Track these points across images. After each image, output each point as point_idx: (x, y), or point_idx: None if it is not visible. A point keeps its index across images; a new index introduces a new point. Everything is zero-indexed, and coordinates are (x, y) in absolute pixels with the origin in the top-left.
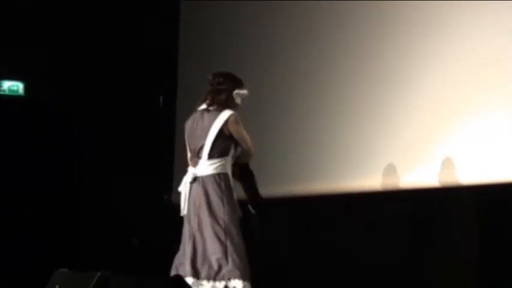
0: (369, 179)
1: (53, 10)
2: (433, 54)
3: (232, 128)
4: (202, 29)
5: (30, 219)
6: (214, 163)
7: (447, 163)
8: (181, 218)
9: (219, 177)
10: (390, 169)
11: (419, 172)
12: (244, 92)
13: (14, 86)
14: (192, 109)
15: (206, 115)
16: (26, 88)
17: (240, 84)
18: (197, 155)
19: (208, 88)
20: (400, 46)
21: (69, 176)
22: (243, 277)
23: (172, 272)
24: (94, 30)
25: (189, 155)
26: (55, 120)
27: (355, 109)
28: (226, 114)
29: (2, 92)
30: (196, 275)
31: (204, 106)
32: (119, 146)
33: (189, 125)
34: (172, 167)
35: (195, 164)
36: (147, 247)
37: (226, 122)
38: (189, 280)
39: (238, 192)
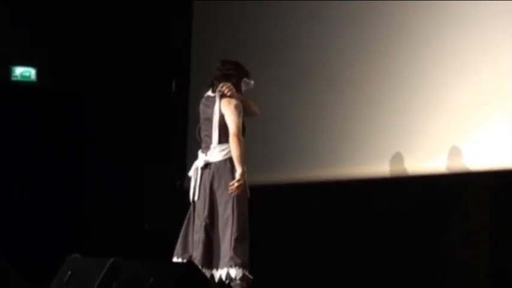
0: (382, 165)
1: None
2: (449, 44)
3: (225, 110)
4: (215, 15)
5: (42, 205)
6: (225, 148)
7: (459, 150)
8: None
9: (230, 162)
10: (402, 156)
11: (433, 158)
12: (251, 82)
13: (26, 72)
14: (204, 94)
15: (210, 101)
16: (38, 74)
17: (247, 74)
18: (207, 142)
19: (216, 73)
20: (412, 39)
21: (81, 162)
22: (243, 265)
23: (175, 257)
24: (106, 15)
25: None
26: (67, 105)
27: (370, 99)
28: (224, 98)
29: (14, 78)
30: (208, 265)
31: (209, 92)
32: (131, 132)
33: (199, 112)
34: (185, 153)
35: (206, 150)
36: (159, 233)
37: (223, 105)
38: None
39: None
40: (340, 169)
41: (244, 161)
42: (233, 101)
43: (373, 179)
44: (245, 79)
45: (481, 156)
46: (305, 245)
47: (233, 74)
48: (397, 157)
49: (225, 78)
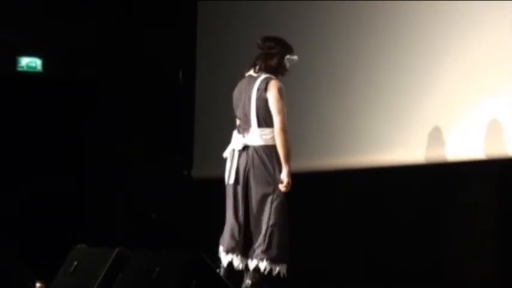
0: (393, 154)
1: None
2: (456, 36)
3: (269, 94)
4: (221, 5)
5: (48, 195)
6: (266, 134)
7: (467, 138)
8: (201, 194)
9: (269, 149)
10: (412, 144)
11: (440, 147)
12: (295, 57)
13: (32, 63)
14: (210, 84)
15: (252, 81)
16: (44, 64)
17: (290, 50)
18: (245, 123)
19: (258, 52)
20: (416, 34)
21: (87, 152)
22: (277, 260)
23: (221, 247)
24: (114, 5)
25: (237, 122)
26: (73, 96)
27: (382, 90)
28: (269, 80)
29: (20, 69)
30: (237, 251)
31: (251, 72)
32: (138, 122)
33: (236, 92)
34: (191, 143)
35: (244, 132)
36: (166, 223)
37: (266, 89)
38: (229, 256)
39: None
40: (346, 159)
41: (290, 157)
42: (277, 84)
43: (379, 168)
44: (288, 56)
45: (491, 145)
46: (330, 234)
47: (275, 53)
48: (405, 145)
49: (268, 57)
